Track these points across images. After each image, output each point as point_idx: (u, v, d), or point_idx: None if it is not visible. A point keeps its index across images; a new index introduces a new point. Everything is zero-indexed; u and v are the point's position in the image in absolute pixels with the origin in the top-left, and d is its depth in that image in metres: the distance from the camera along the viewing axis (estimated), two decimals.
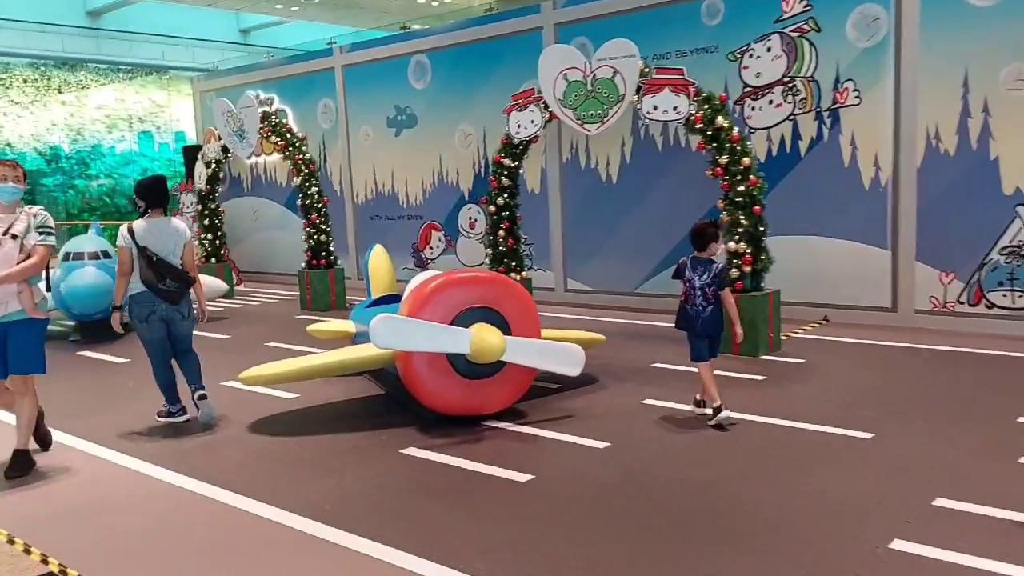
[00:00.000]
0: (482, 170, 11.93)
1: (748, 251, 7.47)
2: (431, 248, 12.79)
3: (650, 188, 10.18)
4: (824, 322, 8.93)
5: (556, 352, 5.72)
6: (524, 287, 6.07)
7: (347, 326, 7.32)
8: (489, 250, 9.70)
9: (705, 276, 5.58)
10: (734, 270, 7.51)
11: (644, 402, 6.13)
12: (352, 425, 5.85)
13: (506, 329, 5.62)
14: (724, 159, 7.49)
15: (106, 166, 29.39)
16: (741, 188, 7.44)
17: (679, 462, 4.84)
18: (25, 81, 28.13)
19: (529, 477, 4.66)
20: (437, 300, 5.56)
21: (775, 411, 5.73)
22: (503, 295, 5.76)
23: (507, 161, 9.31)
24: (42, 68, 28.36)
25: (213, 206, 13.54)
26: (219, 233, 13.59)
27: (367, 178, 13.62)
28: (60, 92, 28.63)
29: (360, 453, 5.24)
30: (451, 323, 5.52)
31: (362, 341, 6.96)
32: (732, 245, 7.49)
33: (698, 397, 5.81)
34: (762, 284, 7.68)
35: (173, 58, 29.66)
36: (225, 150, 12.79)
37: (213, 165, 13.20)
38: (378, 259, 7.66)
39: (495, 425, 5.69)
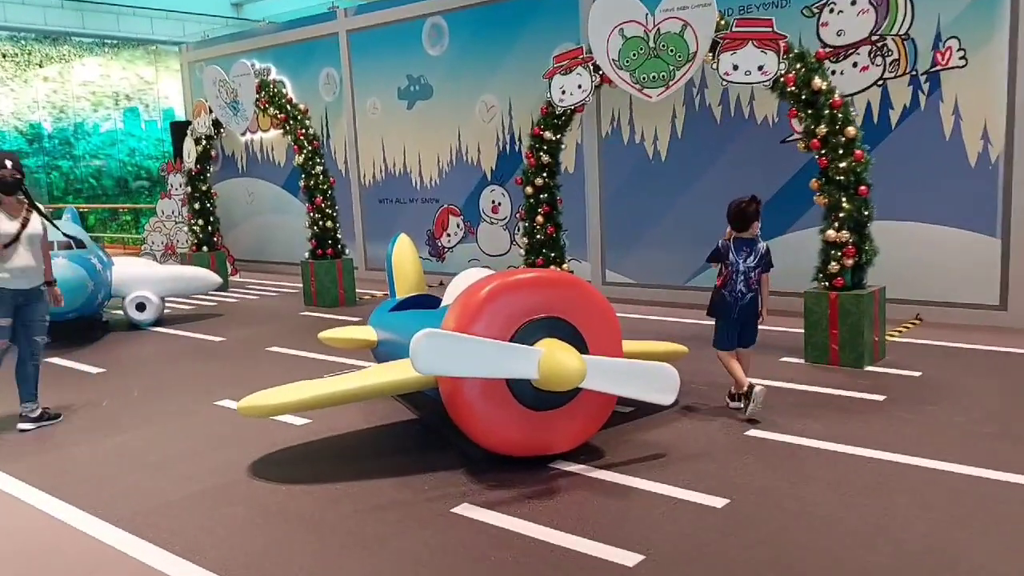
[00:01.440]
0: (507, 146, 10.61)
1: (851, 240, 6.19)
2: (448, 235, 11.48)
3: (706, 167, 8.89)
4: (918, 321, 7.67)
5: (646, 375, 4.43)
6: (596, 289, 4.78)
7: (366, 333, 6.03)
8: (525, 239, 8.38)
9: (751, 258, 5.11)
10: (833, 263, 6.24)
11: (748, 434, 4.86)
12: (383, 467, 4.57)
13: (581, 345, 4.34)
14: (822, 129, 6.19)
15: (91, 146, 27.89)
16: (843, 164, 6.15)
17: (833, 530, 3.57)
18: (4, 56, 26.61)
19: (638, 558, 3.39)
20: (493, 309, 4.27)
21: (923, 448, 4.46)
22: (576, 301, 4.47)
23: (547, 134, 7.98)
24: (23, 42, 26.83)
25: (204, 188, 12.16)
26: (211, 218, 12.23)
27: (375, 157, 12.29)
28: (41, 67, 27.14)
29: (399, 512, 3.97)
30: (511, 339, 4.24)
31: (386, 351, 5.71)
32: (832, 233, 6.21)
33: (732, 391, 5.25)
34: (864, 280, 6.41)
35: (162, 32, 28.10)
36: (217, 125, 11.42)
37: (203, 142, 11.83)
38: (403, 251, 6.34)
39: (567, 468, 4.42)
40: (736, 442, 4.74)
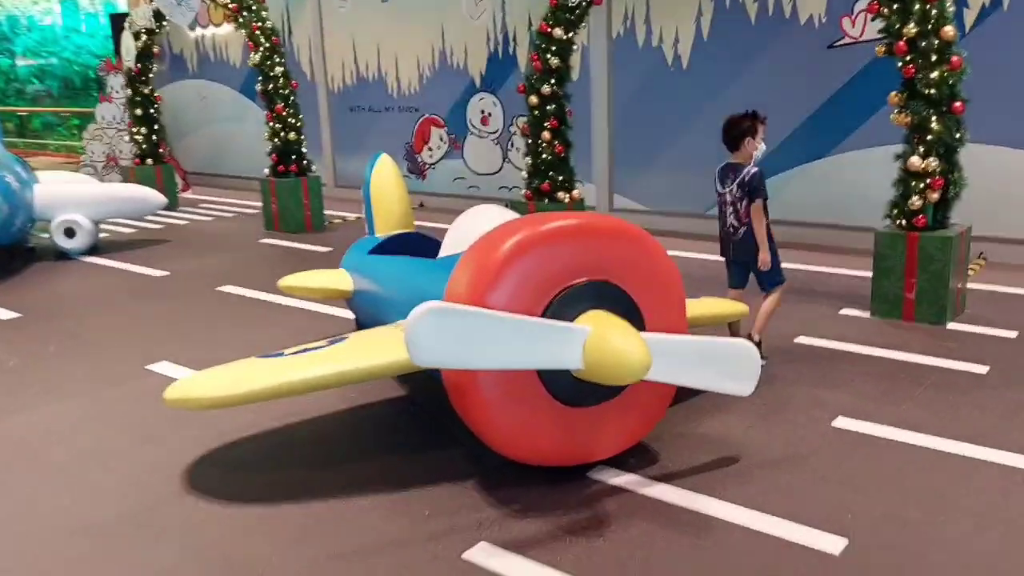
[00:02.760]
0: (499, 48, 9.19)
1: (939, 170, 5.03)
2: (430, 150, 10.12)
3: (736, 75, 7.60)
4: (983, 262, 6.61)
5: (722, 357, 3.29)
6: (653, 238, 3.51)
7: (339, 280, 4.82)
8: (527, 159, 7.09)
9: (735, 187, 4.42)
10: (915, 198, 5.09)
11: (837, 425, 3.78)
12: (366, 478, 3.43)
13: (636, 319, 3.18)
14: (911, 29, 4.92)
15: (32, 42, 25.53)
16: (934, 75, 4.92)
17: None
18: None
19: None
20: (520, 270, 3.07)
21: None
22: (630, 257, 3.29)
23: (557, 32, 6.61)
24: None
25: (147, 91, 10.58)
26: (156, 126, 10.69)
27: (345, 58, 10.77)
28: None
29: (391, 560, 2.85)
30: (544, 313, 3.06)
31: (365, 305, 4.54)
32: (916, 161, 5.03)
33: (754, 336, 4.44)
34: (948, 217, 5.29)
35: None
36: (159, 16, 9.80)
37: (144, 37, 10.20)
38: (385, 176, 5.04)
39: (614, 482, 3.32)
40: (825, 438, 3.66)
